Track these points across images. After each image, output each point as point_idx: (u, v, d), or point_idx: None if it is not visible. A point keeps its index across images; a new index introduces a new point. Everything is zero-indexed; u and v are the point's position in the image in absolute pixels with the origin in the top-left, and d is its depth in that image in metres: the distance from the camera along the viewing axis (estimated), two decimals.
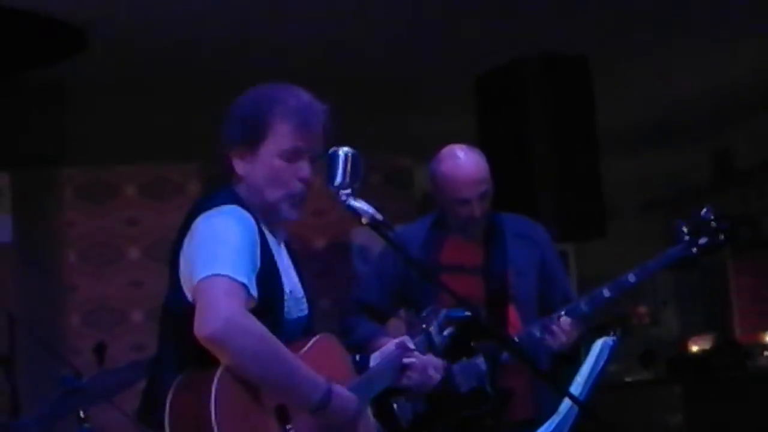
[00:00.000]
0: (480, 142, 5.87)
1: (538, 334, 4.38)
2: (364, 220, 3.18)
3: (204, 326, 2.75)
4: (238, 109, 3.08)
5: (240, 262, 2.85)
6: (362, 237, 7.07)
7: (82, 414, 4.50)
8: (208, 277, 2.80)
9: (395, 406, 4.35)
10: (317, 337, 3.08)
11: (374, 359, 3.32)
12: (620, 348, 4.10)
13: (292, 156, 3.06)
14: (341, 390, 2.96)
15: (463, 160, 4.53)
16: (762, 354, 7.52)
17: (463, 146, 4.60)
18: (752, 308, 8.67)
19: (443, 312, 3.46)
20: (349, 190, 3.15)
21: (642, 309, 9.38)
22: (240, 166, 3.06)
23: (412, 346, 3.34)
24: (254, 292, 2.85)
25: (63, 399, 4.49)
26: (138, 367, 4.59)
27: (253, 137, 3.05)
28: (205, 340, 2.75)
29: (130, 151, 7.25)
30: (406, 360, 3.32)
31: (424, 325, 3.43)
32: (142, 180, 7.19)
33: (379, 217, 3.18)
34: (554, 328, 4.37)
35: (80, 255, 7.03)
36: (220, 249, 2.86)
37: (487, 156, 4.62)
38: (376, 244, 4.83)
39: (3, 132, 6.60)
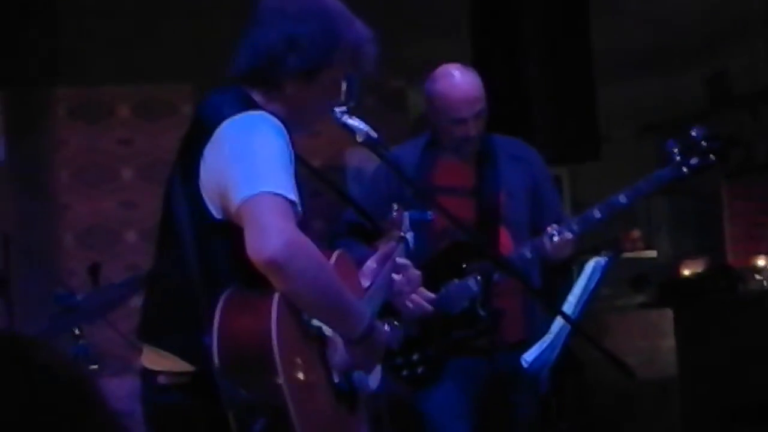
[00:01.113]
0: (474, 64, 5.83)
1: (528, 255, 4.39)
2: (359, 138, 3.16)
3: (263, 249, 2.58)
4: (299, 38, 2.89)
5: (286, 177, 2.70)
6: (357, 159, 7.06)
7: (77, 331, 4.52)
8: (256, 195, 2.64)
9: (386, 327, 4.37)
10: (338, 252, 3.01)
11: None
12: (612, 272, 4.13)
13: (342, 82, 3.01)
14: (379, 326, 2.94)
15: (458, 79, 4.52)
16: (754, 278, 7.54)
17: (458, 65, 4.59)
18: (745, 232, 8.69)
19: (406, 215, 3.43)
20: (344, 108, 3.13)
21: (635, 233, 9.38)
22: (289, 88, 2.94)
23: (397, 257, 3.30)
24: (300, 209, 2.72)
25: (58, 317, 4.51)
26: (132, 283, 4.61)
27: (312, 72, 2.92)
28: (264, 263, 2.59)
29: (124, 71, 7.20)
30: (394, 275, 3.28)
31: (402, 233, 3.40)
32: (135, 100, 7.16)
33: (374, 134, 3.16)
34: (552, 236, 4.37)
35: (73, 175, 7.00)
36: (263, 163, 2.70)
37: (482, 78, 4.61)
38: (370, 166, 4.83)
39: None
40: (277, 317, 2.61)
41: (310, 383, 2.75)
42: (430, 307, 3.42)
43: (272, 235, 2.59)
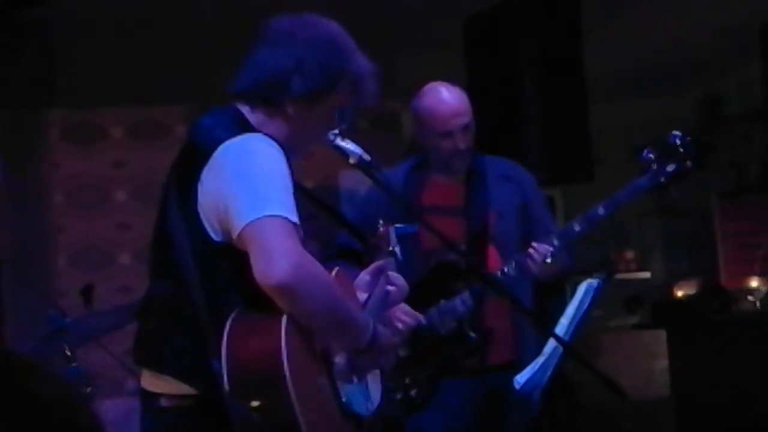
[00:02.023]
0: (469, 86, 5.84)
1: (512, 272, 4.38)
2: (351, 161, 3.18)
3: (271, 273, 2.60)
4: (307, 62, 2.92)
5: (288, 199, 2.71)
6: (350, 181, 7.06)
7: (68, 352, 4.49)
8: (260, 218, 2.64)
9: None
10: (337, 268, 3.04)
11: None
12: (606, 293, 4.13)
13: (341, 110, 3.04)
14: (382, 330, 2.96)
15: (444, 94, 4.56)
16: (747, 299, 7.54)
17: (443, 82, 4.63)
18: (738, 254, 8.68)
19: (392, 229, 3.45)
20: (336, 131, 3.14)
21: (629, 254, 9.38)
22: (291, 109, 2.94)
23: (389, 271, 3.32)
24: (302, 232, 2.72)
25: (49, 337, 4.49)
26: (123, 311, 4.58)
27: (314, 96, 2.95)
28: (273, 286, 2.61)
29: (117, 94, 7.21)
30: (389, 287, 3.30)
31: (390, 247, 3.41)
32: (128, 122, 7.15)
33: (366, 157, 3.17)
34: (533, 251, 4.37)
35: (67, 197, 7.00)
36: (264, 185, 2.71)
37: (476, 100, 4.64)
38: (363, 188, 4.83)
39: None
40: (286, 339, 2.62)
41: (321, 403, 2.77)
42: (420, 318, 3.45)
43: (279, 259, 2.60)
